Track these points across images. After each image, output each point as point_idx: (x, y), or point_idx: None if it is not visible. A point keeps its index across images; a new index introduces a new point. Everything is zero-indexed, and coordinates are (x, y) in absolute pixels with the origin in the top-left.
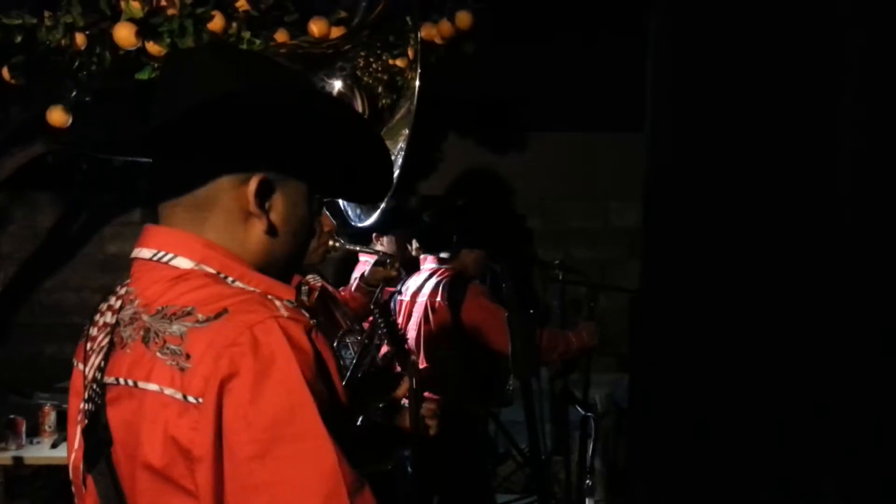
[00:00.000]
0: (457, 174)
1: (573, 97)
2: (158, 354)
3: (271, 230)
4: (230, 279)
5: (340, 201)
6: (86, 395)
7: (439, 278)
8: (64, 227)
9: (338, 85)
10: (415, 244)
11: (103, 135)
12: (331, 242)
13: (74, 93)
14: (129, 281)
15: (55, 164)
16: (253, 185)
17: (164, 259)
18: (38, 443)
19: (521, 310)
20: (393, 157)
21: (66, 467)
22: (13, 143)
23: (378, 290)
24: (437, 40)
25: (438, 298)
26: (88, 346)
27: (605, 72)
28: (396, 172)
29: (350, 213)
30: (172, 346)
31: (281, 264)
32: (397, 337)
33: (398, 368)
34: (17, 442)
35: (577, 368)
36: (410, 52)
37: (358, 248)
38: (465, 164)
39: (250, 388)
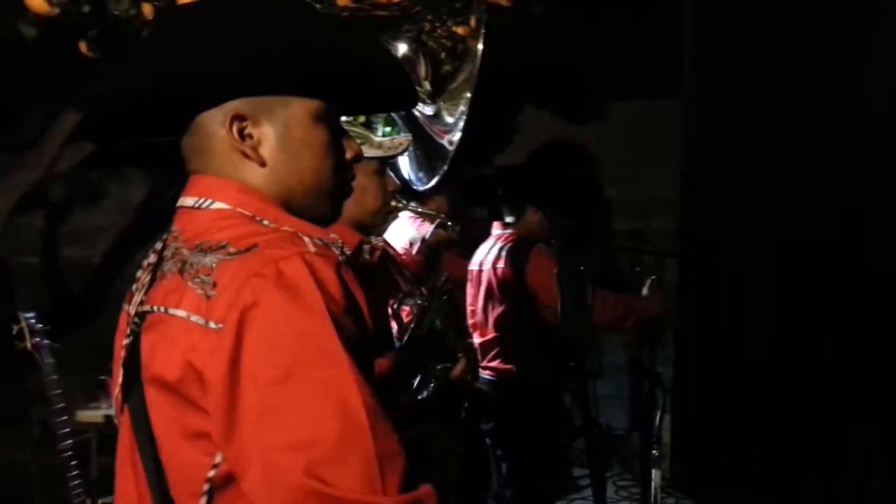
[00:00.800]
0: (533, 145)
1: (652, 64)
2: (190, 283)
3: (270, 159)
4: (265, 221)
5: (402, 167)
6: (128, 331)
7: (503, 243)
8: (155, 201)
9: (402, 48)
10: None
11: None
12: (393, 202)
13: None
14: (173, 228)
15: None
16: (226, 123)
17: (205, 205)
18: None
19: (570, 265)
20: (454, 121)
21: None
22: None
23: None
24: (504, 1)
25: (501, 264)
26: (134, 287)
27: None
28: (459, 136)
29: (413, 176)
30: (203, 276)
31: (300, 192)
32: (454, 317)
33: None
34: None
35: (658, 343)
36: (474, 20)
37: (420, 210)
38: (542, 135)
39: (273, 315)
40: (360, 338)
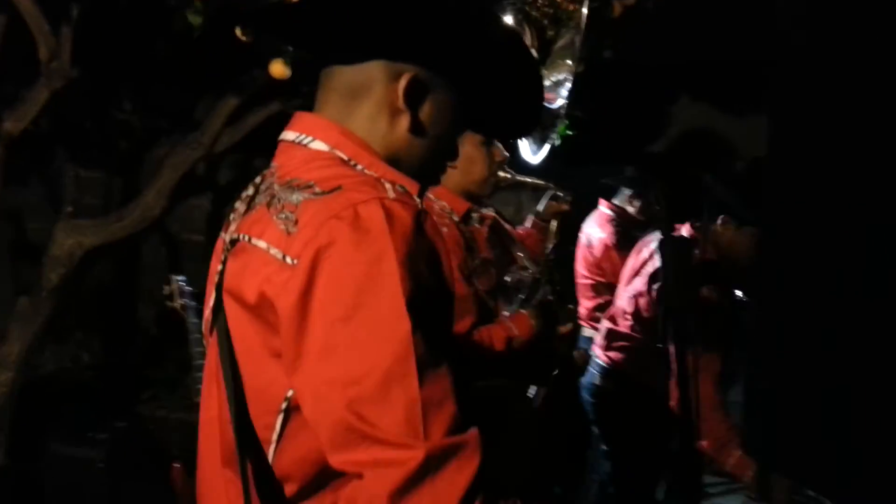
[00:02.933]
0: (688, 138)
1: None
2: (275, 218)
3: (416, 128)
4: (359, 166)
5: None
6: (221, 256)
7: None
8: None
9: (507, 19)
10: (636, 203)
11: None
12: (501, 173)
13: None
14: (273, 163)
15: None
16: (404, 80)
17: (304, 141)
18: None
19: (673, 233)
20: (554, 84)
21: None
22: (255, 103)
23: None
24: None
25: (654, 261)
26: (231, 216)
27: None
28: (563, 102)
29: (529, 147)
30: (288, 213)
31: (416, 166)
32: (559, 290)
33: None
34: None
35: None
36: None
37: (529, 180)
38: (697, 128)
39: (344, 256)
40: (435, 288)
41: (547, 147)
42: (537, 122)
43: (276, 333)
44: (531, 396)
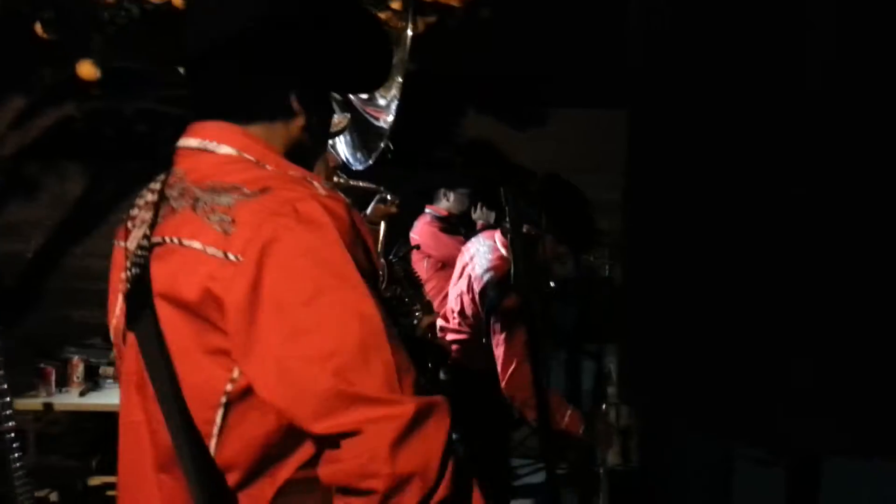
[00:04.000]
0: (475, 148)
1: (591, 73)
2: (206, 219)
3: (308, 127)
4: (268, 167)
5: (339, 148)
6: (128, 264)
7: (492, 263)
8: (91, 195)
9: None
10: (480, 208)
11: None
12: (335, 178)
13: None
14: (173, 167)
15: (83, 132)
16: (295, 90)
17: (210, 147)
18: (67, 392)
19: (519, 231)
20: (387, 103)
21: (96, 417)
22: (47, 104)
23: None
24: (454, 2)
25: (479, 280)
26: (130, 224)
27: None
28: (392, 118)
29: (350, 158)
30: (220, 214)
31: (309, 159)
32: (412, 279)
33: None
34: (48, 389)
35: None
36: (397, 3)
37: (361, 185)
38: (483, 139)
39: (294, 247)
40: (370, 272)
41: (369, 161)
42: (388, 72)
43: (215, 330)
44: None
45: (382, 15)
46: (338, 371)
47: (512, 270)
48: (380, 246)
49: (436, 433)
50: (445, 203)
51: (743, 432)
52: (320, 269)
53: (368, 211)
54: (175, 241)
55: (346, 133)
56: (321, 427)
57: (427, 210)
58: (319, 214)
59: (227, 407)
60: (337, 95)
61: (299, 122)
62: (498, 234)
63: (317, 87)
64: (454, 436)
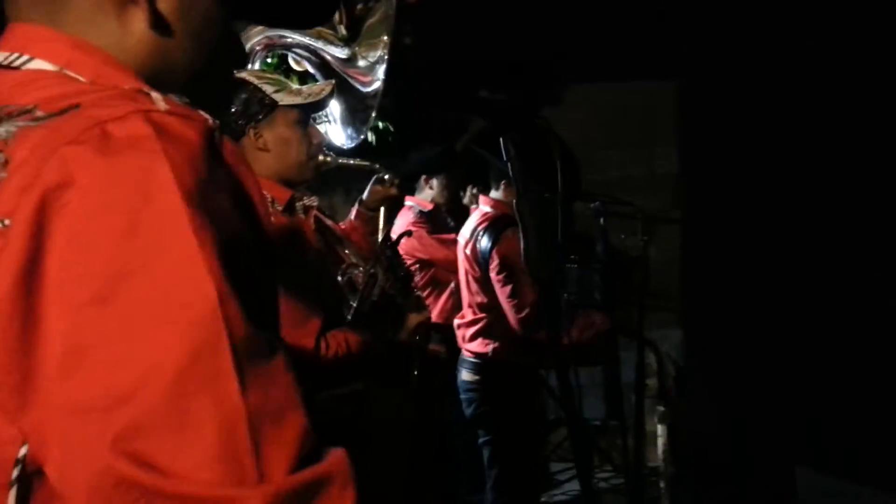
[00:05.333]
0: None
1: (604, 47)
2: None
3: (158, 23)
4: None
5: (329, 130)
6: None
7: (478, 222)
8: None
9: None
10: (470, 190)
11: None
12: (321, 157)
13: None
14: None
15: None
16: None
17: (17, 62)
18: None
19: (531, 191)
20: (371, 65)
21: None
22: None
23: (378, 216)
24: None
25: (472, 245)
26: None
27: (634, 20)
28: (379, 84)
29: (343, 137)
30: None
31: (181, 80)
32: (400, 273)
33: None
34: None
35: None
36: None
37: (352, 162)
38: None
39: (91, 199)
40: (249, 238)
41: (362, 135)
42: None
43: None
44: (401, 400)
45: None
46: (124, 435)
47: (521, 242)
48: (380, 235)
49: None
50: (429, 192)
51: None
52: (129, 239)
53: (365, 195)
54: None
55: (331, 111)
56: None
57: (408, 202)
58: (144, 138)
59: (26, 484)
60: (311, 68)
61: (138, 17)
62: (482, 197)
63: None
64: None
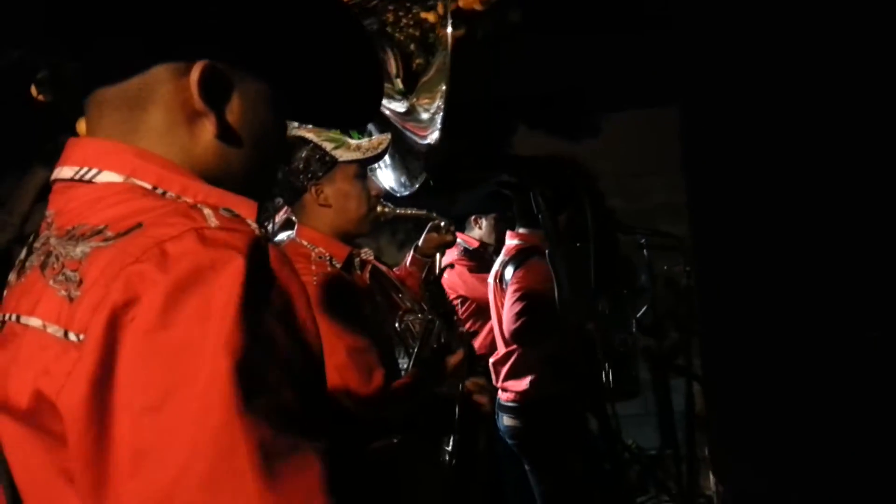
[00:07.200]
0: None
1: (634, 76)
2: (51, 283)
3: (225, 133)
4: (169, 193)
5: (380, 175)
6: None
7: (506, 254)
8: None
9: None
10: (482, 223)
11: None
12: (379, 208)
13: None
14: (48, 210)
15: None
16: (196, 73)
17: (88, 176)
18: None
19: (562, 242)
20: (430, 117)
21: None
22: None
23: (434, 262)
24: (478, 6)
25: (500, 274)
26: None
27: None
28: (437, 134)
29: (395, 185)
30: (69, 272)
31: (239, 183)
32: (443, 308)
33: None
34: None
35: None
36: (441, 6)
37: (410, 213)
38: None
39: (157, 314)
40: (292, 351)
41: (417, 183)
42: (377, 106)
43: (50, 441)
44: (447, 449)
45: (430, 16)
46: None
47: (556, 293)
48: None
49: None
50: (478, 231)
51: None
52: (179, 355)
53: (420, 242)
54: (14, 318)
55: (388, 156)
56: None
57: (457, 239)
58: (197, 256)
59: None
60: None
61: (207, 127)
62: (509, 232)
63: (234, 73)
64: None
